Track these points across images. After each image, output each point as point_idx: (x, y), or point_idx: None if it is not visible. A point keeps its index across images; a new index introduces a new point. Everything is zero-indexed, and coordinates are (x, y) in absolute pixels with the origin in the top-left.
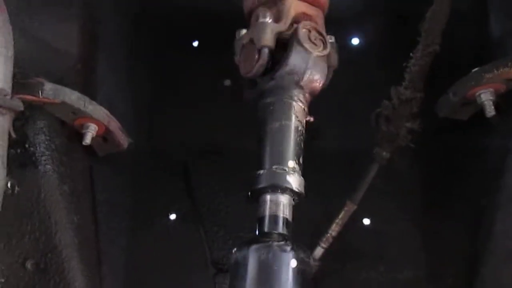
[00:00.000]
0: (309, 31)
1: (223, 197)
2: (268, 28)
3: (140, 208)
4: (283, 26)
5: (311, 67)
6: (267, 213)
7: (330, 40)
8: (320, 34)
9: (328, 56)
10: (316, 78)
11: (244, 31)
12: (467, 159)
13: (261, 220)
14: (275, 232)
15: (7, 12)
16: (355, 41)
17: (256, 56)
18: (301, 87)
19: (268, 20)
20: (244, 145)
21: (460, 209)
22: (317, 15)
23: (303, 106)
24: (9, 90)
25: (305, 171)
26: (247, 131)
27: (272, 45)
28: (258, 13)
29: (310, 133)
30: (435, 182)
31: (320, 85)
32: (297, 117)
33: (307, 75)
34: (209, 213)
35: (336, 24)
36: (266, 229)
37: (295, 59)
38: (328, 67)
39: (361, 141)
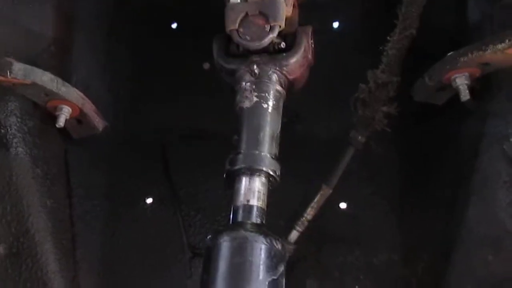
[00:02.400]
0: None
1: (201, 181)
2: (283, 7)
3: (117, 192)
4: (289, 10)
5: None
6: (241, 202)
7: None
8: None
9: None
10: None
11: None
12: (443, 144)
13: (235, 209)
14: (249, 221)
15: None
16: (336, 24)
17: (268, 30)
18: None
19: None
20: (223, 129)
21: (436, 194)
22: None
23: (279, 87)
24: None
25: (284, 155)
26: (226, 115)
27: (283, 26)
28: None
29: (290, 117)
30: (411, 167)
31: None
32: (275, 99)
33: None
34: (187, 197)
35: (318, 8)
36: (240, 218)
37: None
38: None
39: (341, 125)
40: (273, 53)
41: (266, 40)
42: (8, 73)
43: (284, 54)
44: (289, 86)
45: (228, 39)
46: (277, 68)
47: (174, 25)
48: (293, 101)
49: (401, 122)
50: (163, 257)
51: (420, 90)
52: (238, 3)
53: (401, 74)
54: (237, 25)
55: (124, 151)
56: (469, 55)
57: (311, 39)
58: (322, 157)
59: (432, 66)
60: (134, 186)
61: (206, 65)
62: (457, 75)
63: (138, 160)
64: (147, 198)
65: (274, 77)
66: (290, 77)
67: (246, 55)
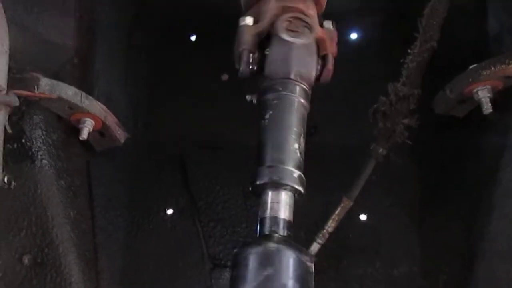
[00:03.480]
0: (290, 21)
1: (220, 191)
2: (246, 31)
3: (138, 203)
4: (261, 26)
5: (296, 56)
6: (268, 213)
7: (326, 26)
8: (304, 21)
9: (320, 42)
10: (308, 68)
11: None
12: (463, 156)
13: (262, 221)
14: (276, 234)
15: (2, 7)
16: (354, 36)
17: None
18: (294, 80)
19: (248, 22)
20: (242, 140)
21: (456, 206)
22: (307, 5)
23: (302, 101)
24: (4, 86)
25: (304, 166)
26: (245, 125)
27: (250, 46)
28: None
29: (308, 129)
30: (431, 179)
31: (312, 73)
32: (297, 112)
33: (297, 67)
34: (206, 207)
35: (335, 19)
36: (267, 231)
37: (277, 53)
38: (325, 54)
39: (360, 136)
40: None
41: (241, 71)
42: (36, 88)
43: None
44: (309, 90)
45: None
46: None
47: (193, 37)
48: (312, 112)
49: (421, 133)
50: (183, 268)
51: (441, 102)
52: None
53: (421, 87)
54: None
55: (144, 162)
56: (492, 68)
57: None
58: (341, 168)
59: (453, 79)
60: (154, 197)
61: (225, 77)
62: (479, 88)
63: (158, 170)
64: (167, 209)
65: (304, 93)
66: (302, 82)
67: None
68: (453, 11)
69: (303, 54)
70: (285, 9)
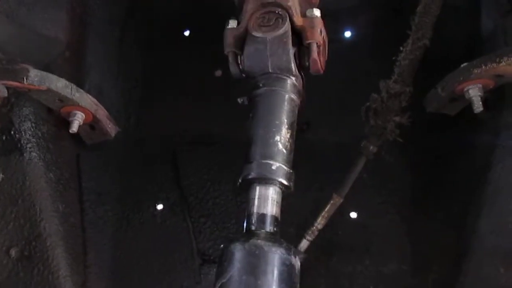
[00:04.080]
0: (264, 17)
1: (211, 187)
2: (229, 33)
3: (128, 197)
4: (241, 27)
5: (271, 50)
6: (255, 209)
7: (308, 14)
8: (277, 13)
9: (301, 31)
10: (283, 60)
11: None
12: (454, 154)
13: (249, 217)
14: (263, 230)
15: None
16: (348, 33)
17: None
18: (273, 73)
19: (232, 25)
20: (234, 136)
21: (447, 204)
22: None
23: (288, 93)
24: None
25: (295, 163)
26: (237, 121)
27: (234, 48)
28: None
29: (300, 125)
30: (422, 177)
31: (291, 64)
32: (283, 105)
33: (272, 60)
34: (197, 203)
35: (328, 16)
36: (253, 227)
37: (251, 51)
38: (309, 43)
39: (352, 133)
40: None
41: (232, 72)
42: (25, 79)
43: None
44: (298, 84)
45: None
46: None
47: (186, 33)
48: (304, 108)
49: (412, 131)
50: (172, 263)
51: (432, 100)
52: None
53: (413, 84)
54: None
55: (135, 157)
56: (483, 66)
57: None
58: (332, 165)
59: (445, 77)
60: (144, 192)
61: (218, 73)
62: (470, 87)
63: (149, 165)
64: (157, 204)
65: (289, 86)
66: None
67: None
68: (446, 9)
69: (275, 46)
70: (263, 5)
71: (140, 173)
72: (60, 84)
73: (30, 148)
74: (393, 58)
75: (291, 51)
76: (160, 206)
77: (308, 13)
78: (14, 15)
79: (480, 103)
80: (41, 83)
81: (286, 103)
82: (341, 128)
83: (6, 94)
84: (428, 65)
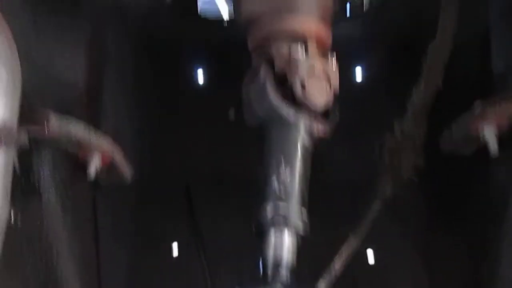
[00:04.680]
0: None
1: (225, 227)
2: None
3: (143, 237)
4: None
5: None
6: (270, 255)
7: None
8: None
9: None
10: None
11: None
12: (471, 190)
13: (264, 263)
14: (278, 276)
15: (15, 44)
16: (359, 70)
17: (329, 94)
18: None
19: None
20: (247, 174)
21: (464, 240)
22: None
23: (304, 135)
24: (15, 123)
25: (308, 202)
26: (250, 159)
27: None
28: (324, 54)
29: (313, 164)
30: (438, 213)
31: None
32: (303, 152)
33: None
34: (211, 243)
35: (339, 54)
36: (269, 274)
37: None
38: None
39: (365, 172)
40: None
41: (328, 102)
42: (46, 125)
43: (321, 120)
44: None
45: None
46: (314, 129)
47: (200, 73)
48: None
49: (427, 167)
50: None
51: (447, 140)
52: (306, 57)
53: (427, 124)
54: (305, 77)
55: (150, 197)
56: (497, 106)
57: None
58: (345, 203)
59: (459, 117)
60: (159, 231)
61: (231, 112)
62: (485, 127)
63: (163, 205)
64: (172, 243)
65: (310, 134)
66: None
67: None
68: (457, 49)
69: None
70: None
71: (154, 213)
72: (79, 128)
73: (48, 191)
74: (405, 96)
75: (272, 95)
76: (175, 246)
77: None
78: (35, 60)
79: (496, 143)
80: (62, 128)
81: (298, 143)
82: (353, 166)
83: (27, 141)
84: (441, 105)
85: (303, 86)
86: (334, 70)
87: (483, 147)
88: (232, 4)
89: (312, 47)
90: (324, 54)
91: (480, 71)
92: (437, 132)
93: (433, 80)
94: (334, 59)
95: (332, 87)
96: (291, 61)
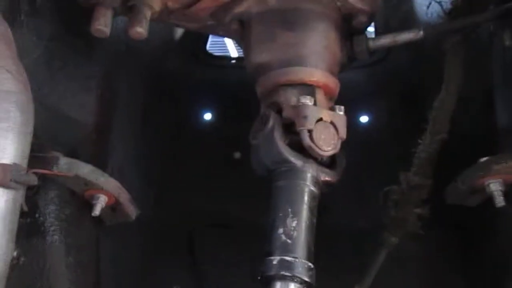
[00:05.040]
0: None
1: (228, 271)
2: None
3: (144, 280)
4: None
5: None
6: None
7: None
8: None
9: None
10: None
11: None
12: (480, 234)
13: None
14: None
15: (30, 89)
16: (365, 119)
17: (336, 142)
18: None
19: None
20: (252, 218)
21: (474, 284)
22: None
23: (311, 187)
24: (25, 166)
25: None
26: (255, 204)
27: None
28: (331, 104)
29: (318, 210)
30: (445, 265)
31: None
32: (309, 202)
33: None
34: (214, 287)
35: (345, 102)
36: None
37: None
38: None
39: (369, 219)
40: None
41: (335, 151)
42: (54, 167)
43: (328, 169)
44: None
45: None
46: (321, 178)
47: (207, 116)
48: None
49: (432, 219)
50: None
51: (452, 193)
52: (314, 106)
53: (433, 176)
54: (312, 125)
55: (153, 238)
56: (503, 163)
57: None
58: (348, 251)
59: (465, 171)
60: (161, 274)
61: (237, 155)
62: (491, 181)
63: (166, 248)
64: (174, 287)
65: (316, 183)
66: (323, 189)
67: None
68: (461, 102)
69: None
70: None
71: (157, 255)
72: (86, 170)
73: (53, 231)
74: (410, 144)
75: (280, 144)
76: None
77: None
78: (47, 101)
79: (502, 197)
80: (70, 170)
81: (305, 194)
82: (358, 213)
83: (36, 182)
84: (446, 157)
85: (310, 134)
86: (341, 119)
87: (489, 199)
88: (242, 51)
89: (320, 96)
90: (331, 103)
91: (485, 124)
92: (442, 184)
93: (439, 133)
94: (342, 108)
95: (339, 135)
96: (299, 109)
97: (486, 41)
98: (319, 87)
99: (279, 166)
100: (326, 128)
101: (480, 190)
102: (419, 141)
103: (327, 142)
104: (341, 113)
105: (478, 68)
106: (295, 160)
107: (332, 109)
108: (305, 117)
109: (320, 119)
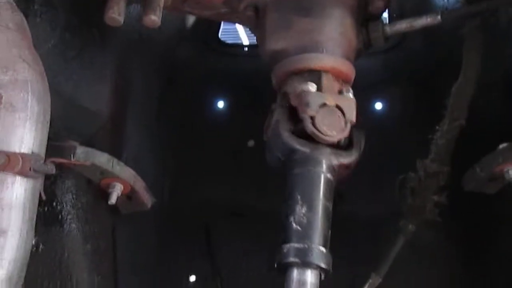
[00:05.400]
0: None
1: (244, 260)
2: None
3: (161, 268)
4: None
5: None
6: None
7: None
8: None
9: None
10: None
11: (314, 86)
12: (496, 227)
13: None
14: None
15: (47, 79)
16: (380, 106)
17: (343, 126)
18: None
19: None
20: (267, 207)
21: (490, 281)
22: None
23: (327, 174)
24: (43, 155)
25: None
26: (270, 193)
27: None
28: (341, 88)
29: (333, 197)
30: (463, 253)
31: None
32: (326, 190)
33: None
34: (230, 276)
35: (360, 88)
36: None
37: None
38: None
39: (385, 206)
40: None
41: (339, 139)
42: (72, 156)
43: (344, 152)
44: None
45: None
46: (335, 162)
47: (220, 104)
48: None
49: (450, 206)
50: None
51: (471, 180)
52: (316, 92)
53: (451, 164)
54: (314, 112)
55: (169, 227)
56: None
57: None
58: (366, 239)
59: (483, 157)
60: (177, 263)
61: (251, 143)
62: (510, 168)
63: (182, 236)
64: (190, 276)
65: (331, 169)
66: (342, 173)
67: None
68: (480, 88)
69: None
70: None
71: (173, 244)
72: (103, 159)
73: (70, 219)
74: (425, 131)
75: (285, 134)
76: (192, 278)
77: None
78: (62, 90)
79: None
80: (86, 159)
81: (318, 181)
82: (374, 200)
83: (54, 171)
84: (464, 143)
85: (312, 120)
86: (349, 102)
87: (508, 186)
88: (256, 39)
89: (328, 81)
90: (343, 89)
91: (504, 110)
92: (460, 171)
93: (456, 120)
94: (349, 90)
95: (347, 120)
96: (301, 97)
97: (505, 26)
98: (327, 71)
99: (290, 156)
100: (330, 112)
101: (498, 177)
102: (437, 127)
103: (332, 127)
104: (350, 95)
105: (497, 54)
106: (302, 147)
107: (340, 92)
108: (307, 104)
109: (324, 104)
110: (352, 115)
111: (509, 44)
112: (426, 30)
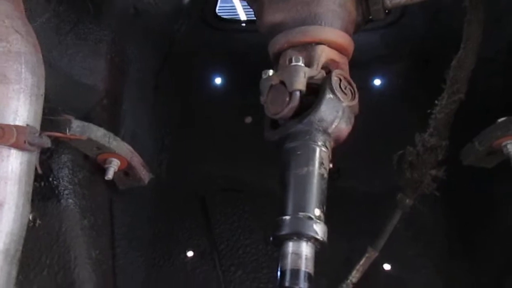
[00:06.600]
0: (340, 80)
1: (241, 235)
2: (301, 71)
3: (159, 244)
4: (314, 71)
5: (340, 116)
6: (289, 266)
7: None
8: (350, 83)
9: (354, 106)
10: (343, 127)
11: (271, 71)
12: (493, 204)
13: (282, 274)
14: (296, 287)
15: (41, 52)
16: (378, 82)
17: (287, 99)
18: (328, 134)
19: (301, 63)
20: (264, 183)
21: (486, 256)
22: (344, 62)
23: (328, 152)
24: (38, 128)
25: (326, 211)
26: (267, 169)
27: (304, 88)
28: (290, 56)
29: (331, 174)
30: (459, 228)
31: (346, 134)
32: (322, 163)
33: (335, 124)
34: (227, 251)
35: (359, 65)
36: (287, 284)
37: (326, 107)
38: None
39: (383, 182)
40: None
41: (284, 112)
42: (67, 130)
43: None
44: (334, 145)
45: None
46: (317, 128)
47: (218, 80)
48: (334, 157)
49: (448, 183)
50: None
51: (469, 154)
52: (268, 73)
53: (449, 138)
54: (265, 96)
55: (166, 203)
56: None
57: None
58: (363, 214)
59: (482, 131)
60: (175, 238)
61: (248, 119)
62: (508, 142)
63: (179, 212)
64: (188, 251)
65: (318, 137)
66: (333, 138)
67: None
68: (480, 61)
69: (346, 115)
70: (331, 63)
71: (170, 220)
72: (99, 134)
73: (67, 194)
74: (423, 106)
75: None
76: (190, 254)
77: None
78: (57, 64)
79: None
80: (82, 133)
81: (316, 154)
82: (371, 175)
83: (49, 145)
84: (463, 117)
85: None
86: (289, 73)
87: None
88: (254, 12)
89: (322, 55)
90: (342, 60)
91: (504, 85)
92: (459, 145)
93: (456, 93)
94: (298, 62)
95: (290, 91)
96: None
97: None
98: (324, 44)
99: (317, 131)
100: (277, 90)
101: (497, 151)
102: (436, 102)
103: (276, 104)
104: (295, 63)
105: (498, 27)
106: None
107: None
108: (261, 93)
109: (271, 86)
110: (292, 83)
111: (510, 17)
112: (426, 5)
